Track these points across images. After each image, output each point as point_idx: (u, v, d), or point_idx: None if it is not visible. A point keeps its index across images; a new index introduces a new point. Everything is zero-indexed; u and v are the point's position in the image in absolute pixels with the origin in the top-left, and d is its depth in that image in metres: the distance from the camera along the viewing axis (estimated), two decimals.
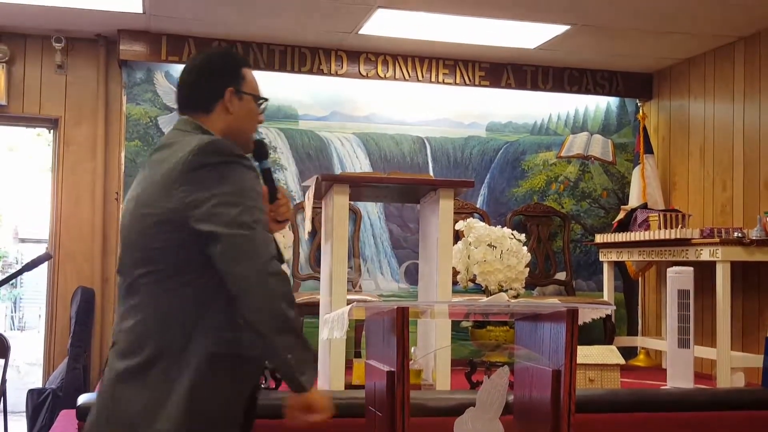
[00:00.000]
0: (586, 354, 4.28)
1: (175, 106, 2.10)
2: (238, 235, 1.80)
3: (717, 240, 4.67)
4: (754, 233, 4.75)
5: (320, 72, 5.78)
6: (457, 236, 4.64)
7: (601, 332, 5.71)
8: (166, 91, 5.70)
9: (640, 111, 6.24)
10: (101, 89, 5.69)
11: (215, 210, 1.80)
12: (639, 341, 6.02)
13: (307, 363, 1.87)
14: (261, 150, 2.17)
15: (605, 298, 5.92)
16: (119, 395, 1.86)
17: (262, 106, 2.15)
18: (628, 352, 5.52)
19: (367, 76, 5.85)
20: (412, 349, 4.35)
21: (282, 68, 5.73)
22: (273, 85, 5.83)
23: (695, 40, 5.48)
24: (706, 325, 5.16)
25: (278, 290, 1.82)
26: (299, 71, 5.76)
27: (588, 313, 2.45)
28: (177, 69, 5.67)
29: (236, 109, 2.07)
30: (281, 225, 2.16)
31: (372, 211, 5.99)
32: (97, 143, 5.67)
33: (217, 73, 2.07)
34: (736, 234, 4.73)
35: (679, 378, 4.36)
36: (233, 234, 1.80)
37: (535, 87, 6.15)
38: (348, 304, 2.48)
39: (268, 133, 5.82)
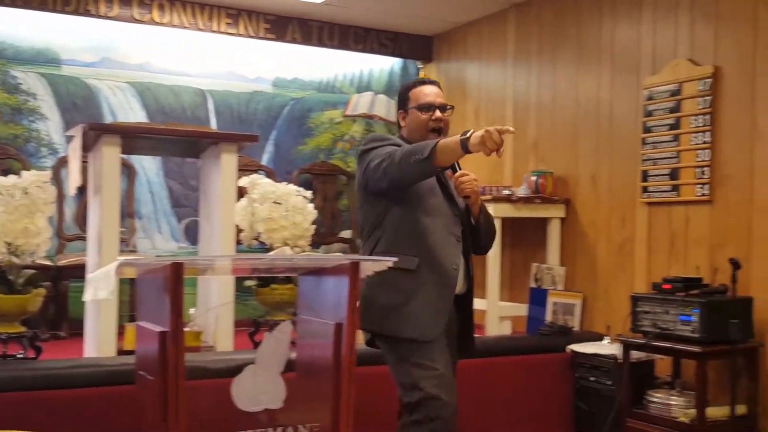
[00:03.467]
0: None
1: None
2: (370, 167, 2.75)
3: (489, 197, 4.92)
4: (521, 191, 5.07)
5: (87, 13, 5.28)
6: (241, 193, 4.50)
7: None
8: None
9: (421, 73, 6.40)
10: None
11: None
12: None
13: (415, 150, 2.59)
14: None
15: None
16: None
17: (424, 110, 2.87)
18: None
19: (141, 21, 5.46)
20: (191, 311, 4.18)
21: (42, 6, 5.17)
22: (30, 25, 5.29)
23: (473, 4, 5.67)
24: (476, 278, 5.43)
25: (388, 167, 2.66)
26: (62, 11, 5.22)
27: (370, 266, 2.45)
28: None
29: (407, 122, 2.93)
30: (466, 200, 2.84)
31: (149, 167, 5.66)
32: None
33: (397, 104, 3.02)
34: (505, 192, 5.01)
35: None
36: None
37: (321, 43, 6.10)
38: None
39: (26, 78, 5.28)
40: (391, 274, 2.60)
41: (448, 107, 2.93)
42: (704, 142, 4.14)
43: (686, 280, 3.87)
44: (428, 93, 2.91)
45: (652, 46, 4.50)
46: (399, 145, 2.76)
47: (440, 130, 2.87)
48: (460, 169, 2.81)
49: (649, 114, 4.45)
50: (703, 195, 4.14)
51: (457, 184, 2.79)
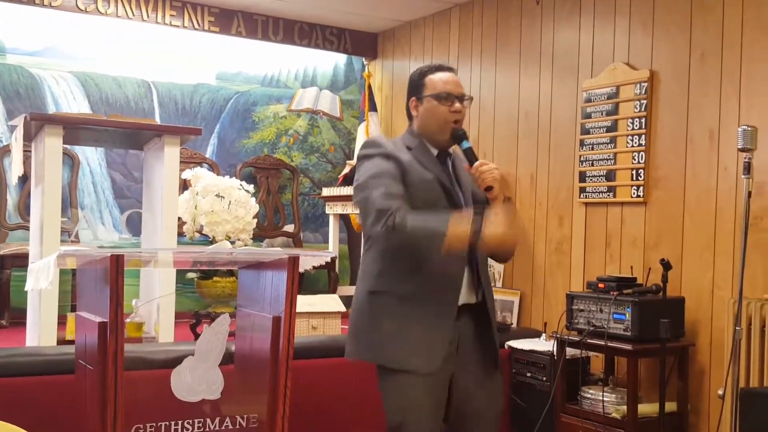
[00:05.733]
0: (310, 303, 4.38)
1: None
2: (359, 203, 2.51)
3: None
4: None
5: (32, 2, 5.21)
6: (185, 186, 4.50)
7: (326, 283, 5.89)
8: None
9: (366, 69, 6.46)
10: None
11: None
12: None
13: (426, 237, 2.35)
14: (456, 137, 2.59)
15: (330, 249, 6.10)
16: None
17: (443, 100, 2.56)
18: (350, 301, 5.75)
19: (86, 11, 5.39)
20: (133, 302, 4.17)
21: None
22: None
23: (416, 3, 5.73)
24: None
25: (394, 224, 2.38)
26: None
27: (309, 261, 2.50)
28: None
29: (420, 112, 2.61)
30: (488, 192, 2.50)
31: (92, 157, 5.59)
32: None
33: (408, 91, 2.66)
34: None
35: None
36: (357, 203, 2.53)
37: (265, 37, 6.10)
38: None
39: None
40: (383, 299, 2.53)
41: (467, 98, 2.61)
42: (639, 145, 4.27)
43: (620, 280, 3.93)
44: (447, 81, 2.58)
45: (590, 49, 4.63)
46: (392, 157, 2.50)
47: (459, 123, 2.58)
48: (477, 159, 2.53)
49: (587, 116, 4.58)
50: (638, 196, 4.26)
51: (477, 174, 2.49)
